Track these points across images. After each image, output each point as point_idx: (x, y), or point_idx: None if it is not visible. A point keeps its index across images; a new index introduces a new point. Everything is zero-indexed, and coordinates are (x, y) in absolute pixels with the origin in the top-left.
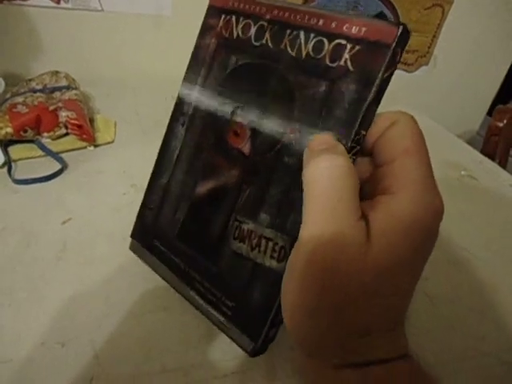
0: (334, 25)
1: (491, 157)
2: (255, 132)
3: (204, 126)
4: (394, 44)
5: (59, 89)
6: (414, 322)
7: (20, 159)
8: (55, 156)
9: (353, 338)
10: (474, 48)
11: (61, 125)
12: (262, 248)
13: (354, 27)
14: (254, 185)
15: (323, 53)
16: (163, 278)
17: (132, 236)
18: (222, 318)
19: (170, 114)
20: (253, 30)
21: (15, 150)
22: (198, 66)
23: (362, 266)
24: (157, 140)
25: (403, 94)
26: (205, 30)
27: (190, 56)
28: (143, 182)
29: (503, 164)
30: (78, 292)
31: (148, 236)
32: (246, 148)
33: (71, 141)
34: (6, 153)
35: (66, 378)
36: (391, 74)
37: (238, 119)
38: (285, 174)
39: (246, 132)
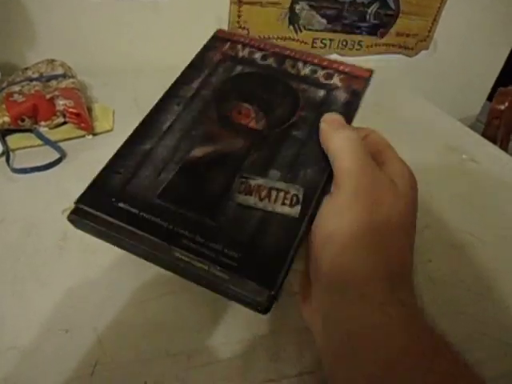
0: (325, 63)
1: (492, 140)
2: (261, 114)
3: (204, 104)
4: (370, 78)
5: (55, 77)
6: None
7: (18, 148)
8: (53, 145)
9: (396, 273)
10: (474, 32)
11: (58, 113)
12: (273, 197)
13: (341, 66)
14: (262, 150)
15: (317, 75)
16: (124, 244)
17: (79, 201)
18: (224, 272)
19: None
20: (257, 55)
21: (13, 140)
22: (200, 68)
23: (395, 201)
24: None
25: (403, 78)
26: (208, 48)
27: (187, 42)
28: None
29: (504, 147)
30: (80, 279)
31: (108, 199)
32: (252, 123)
33: (69, 130)
34: (3, 142)
35: (70, 364)
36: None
37: (245, 105)
38: (295, 141)
39: (250, 112)
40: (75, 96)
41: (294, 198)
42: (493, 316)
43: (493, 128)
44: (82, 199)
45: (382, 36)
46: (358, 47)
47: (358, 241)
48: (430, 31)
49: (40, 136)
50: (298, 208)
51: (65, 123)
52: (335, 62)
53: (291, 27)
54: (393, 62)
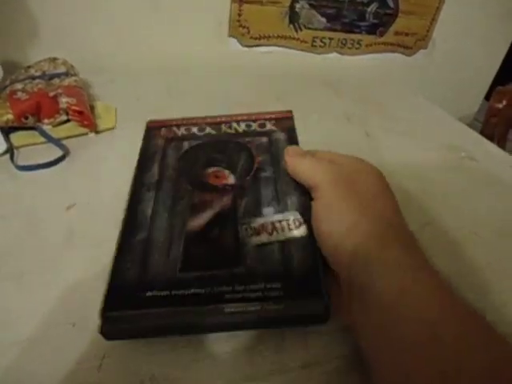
0: (254, 117)
1: (490, 138)
2: (227, 172)
3: (173, 182)
4: (293, 116)
5: (58, 75)
6: None
7: (22, 146)
8: (57, 142)
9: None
10: (472, 31)
11: (61, 111)
12: (279, 228)
13: (267, 115)
14: (246, 196)
15: (253, 127)
16: (169, 328)
17: (105, 311)
18: (278, 304)
19: (170, 101)
20: (194, 129)
21: (16, 137)
22: (151, 155)
23: (365, 177)
24: None
25: (402, 77)
26: (148, 138)
27: (188, 41)
28: None
29: (502, 145)
30: (86, 274)
31: (132, 295)
32: (229, 180)
33: (72, 127)
34: (7, 139)
35: (79, 356)
36: None
37: (212, 169)
38: (267, 180)
39: (224, 173)
40: (78, 94)
41: (296, 222)
42: (493, 312)
43: (491, 126)
44: (107, 307)
45: (381, 35)
46: (358, 46)
47: (354, 215)
48: (428, 30)
49: (43, 133)
50: (303, 227)
51: (68, 121)
52: (259, 113)
53: (291, 26)
54: (391, 61)
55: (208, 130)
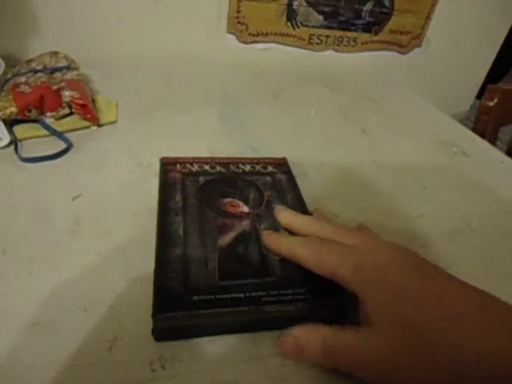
0: (255, 160)
1: (481, 135)
2: (244, 202)
3: (197, 209)
4: (287, 161)
5: (59, 69)
6: None
7: (25, 138)
8: (60, 135)
9: None
10: (466, 30)
11: (64, 105)
12: None
13: (266, 160)
14: (263, 222)
15: (257, 169)
16: (216, 326)
17: (156, 313)
18: (307, 304)
19: (169, 95)
20: (207, 167)
21: (20, 130)
22: (172, 186)
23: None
24: (160, 120)
25: (396, 75)
26: (165, 171)
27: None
28: (149, 160)
29: (493, 141)
30: (95, 261)
31: (180, 298)
32: (245, 209)
33: (75, 121)
34: (11, 132)
35: (90, 339)
36: None
37: (227, 200)
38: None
39: (238, 203)
40: (80, 88)
41: None
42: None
43: (482, 123)
44: (158, 310)
45: (377, 33)
46: (354, 44)
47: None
48: (422, 29)
49: (46, 126)
50: None
51: (70, 114)
52: (260, 158)
53: (289, 23)
54: (386, 59)
55: (218, 168)
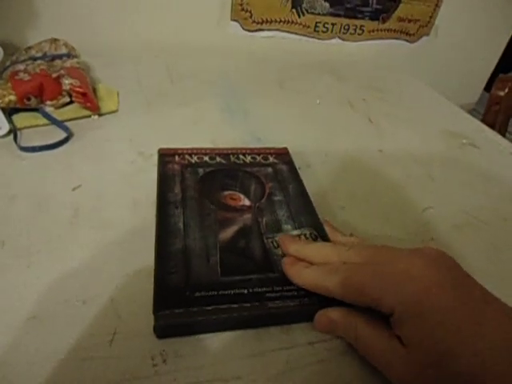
0: (256, 150)
1: (491, 126)
2: (242, 196)
3: (197, 201)
4: (288, 151)
5: (59, 56)
6: None
7: (25, 127)
8: (60, 124)
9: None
10: (475, 18)
11: (64, 93)
12: None
13: (267, 150)
14: (265, 216)
15: (258, 159)
16: (219, 322)
17: (157, 310)
18: (311, 300)
19: (171, 84)
20: (206, 158)
21: (19, 119)
22: (171, 178)
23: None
24: (162, 110)
25: (405, 64)
26: (164, 162)
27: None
28: (151, 150)
29: (503, 132)
30: (94, 254)
31: (182, 294)
32: (246, 202)
33: (75, 109)
34: (10, 121)
35: (89, 332)
36: None
37: (227, 192)
38: (280, 203)
39: (239, 195)
40: (81, 76)
41: (313, 235)
42: (496, 293)
43: (492, 114)
44: (159, 307)
45: (384, 21)
46: (360, 32)
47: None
48: (431, 17)
49: (46, 115)
50: (319, 240)
51: (70, 103)
52: (261, 148)
53: (294, 10)
54: (394, 48)
55: (218, 159)
